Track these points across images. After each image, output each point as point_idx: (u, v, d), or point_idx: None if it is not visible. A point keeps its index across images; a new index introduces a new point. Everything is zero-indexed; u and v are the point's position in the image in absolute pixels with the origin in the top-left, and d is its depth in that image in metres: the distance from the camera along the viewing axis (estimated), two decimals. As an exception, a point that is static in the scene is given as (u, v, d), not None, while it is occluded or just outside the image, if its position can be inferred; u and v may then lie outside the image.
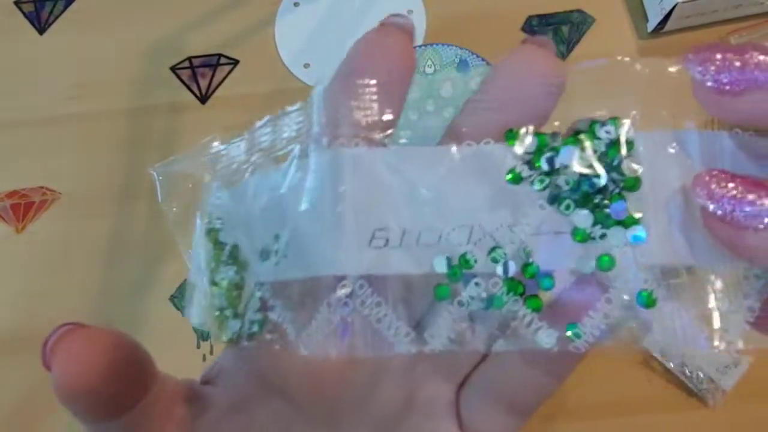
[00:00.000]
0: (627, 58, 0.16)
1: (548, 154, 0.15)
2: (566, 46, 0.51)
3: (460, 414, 0.19)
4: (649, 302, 0.15)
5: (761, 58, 0.14)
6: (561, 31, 0.52)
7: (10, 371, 0.45)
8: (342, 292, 0.16)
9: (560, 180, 0.15)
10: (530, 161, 0.16)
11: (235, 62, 0.53)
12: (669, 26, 0.49)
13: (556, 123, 0.16)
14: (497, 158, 0.16)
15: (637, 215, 0.15)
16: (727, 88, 0.14)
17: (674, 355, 0.42)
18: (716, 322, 0.16)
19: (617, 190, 0.15)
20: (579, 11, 0.52)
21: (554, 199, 0.15)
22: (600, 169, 0.15)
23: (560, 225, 0.15)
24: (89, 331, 0.15)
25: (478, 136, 0.16)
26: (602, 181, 0.15)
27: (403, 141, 0.17)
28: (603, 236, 0.15)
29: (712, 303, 0.16)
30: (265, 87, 0.52)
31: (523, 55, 0.16)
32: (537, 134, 0.16)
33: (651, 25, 0.50)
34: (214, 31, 0.54)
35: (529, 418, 0.19)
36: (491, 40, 0.50)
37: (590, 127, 0.15)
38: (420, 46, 0.50)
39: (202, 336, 0.45)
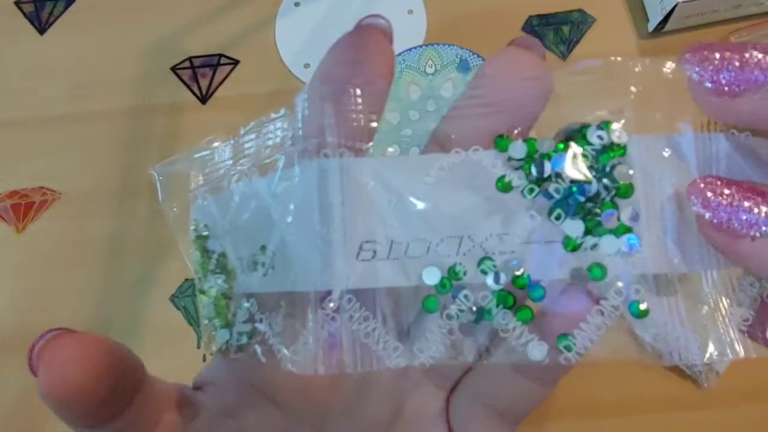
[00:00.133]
0: (620, 58, 0.15)
1: (539, 161, 0.15)
2: (567, 46, 0.51)
3: (450, 421, 0.19)
4: (642, 313, 0.15)
5: (761, 56, 0.14)
6: (561, 31, 0.52)
7: (10, 371, 0.45)
8: (329, 307, 0.15)
9: (551, 188, 0.15)
10: (520, 168, 0.15)
11: (236, 62, 0.53)
12: (669, 26, 0.49)
13: (547, 127, 0.16)
14: (486, 166, 0.15)
15: (630, 223, 0.15)
16: (726, 88, 0.14)
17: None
18: (710, 331, 0.15)
19: (609, 198, 0.15)
20: (579, 11, 0.52)
21: (545, 208, 0.15)
22: (591, 177, 0.15)
23: (551, 234, 0.15)
24: (77, 336, 0.15)
25: (466, 143, 0.15)
26: (593, 189, 0.15)
27: (391, 150, 0.17)
28: (594, 246, 0.15)
29: (705, 311, 0.16)
30: (266, 87, 0.52)
31: (506, 57, 0.16)
32: (527, 140, 0.15)
33: (651, 25, 0.50)
34: (214, 31, 0.53)
35: (520, 423, 0.19)
36: (491, 40, 0.50)
37: (582, 132, 0.15)
38: (420, 46, 0.50)
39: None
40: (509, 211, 0.15)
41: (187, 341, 0.46)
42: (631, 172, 0.15)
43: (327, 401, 0.18)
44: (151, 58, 0.53)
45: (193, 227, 0.19)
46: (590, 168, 0.15)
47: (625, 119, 0.15)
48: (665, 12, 0.47)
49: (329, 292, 0.15)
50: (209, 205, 0.18)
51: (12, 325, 0.47)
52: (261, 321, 0.17)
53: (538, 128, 0.16)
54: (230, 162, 0.18)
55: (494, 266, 0.15)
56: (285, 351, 0.16)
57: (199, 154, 0.18)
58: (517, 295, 0.15)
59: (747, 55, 0.14)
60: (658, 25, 0.49)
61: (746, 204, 0.14)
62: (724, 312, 0.16)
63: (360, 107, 0.16)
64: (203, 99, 0.52)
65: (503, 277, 0.15)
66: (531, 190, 0.15)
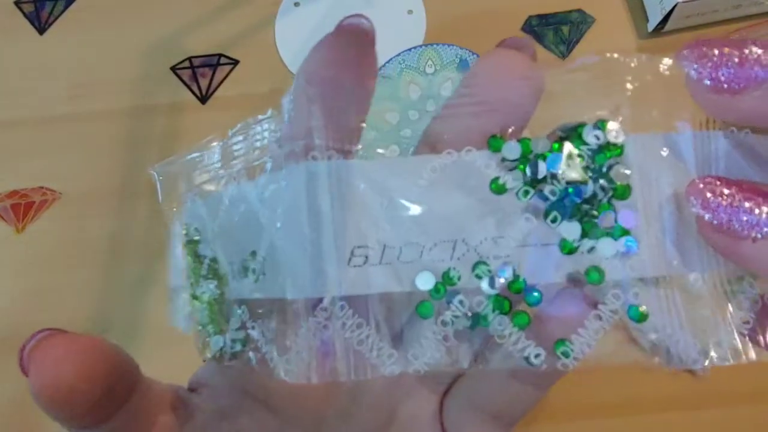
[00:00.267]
0: (616, 55, 0.15)
1: (533, 162, 0.15)
2: (566, 46, 0.51)
3: (444, 424, 0.19)
4: (641, 317, 0.15)
5: (761, 52, 0.13)
6: (561, 31, 0.52)
7: (10, 371, 0.45)
8: (321, 314, 0.15)
9: (546, 189, 0.15)
10: (514, 169, 0.15)
11: (235, 62, 0.53)
12: (669, 26, 0.49)
13: (541, 127, 0.15)
14: (480, 167, 0.15)
15: (628, 226, 0.15)
16: (725, 86, 0.14)
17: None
18: (710, 335, 0.15)
19: (606, 199, 0.15)
20: (579, 11, 0.52)
21: (540, 210, 0.15)
22: (587, 178, 0.14)
23: (547, 236, 0.15)
24: (68, 337, 0.15)
25: (458, 144, 0.15)
26: (589, 190, 0.15)
27: (380, 151, 0.16)
28: (591, 249, 0.15)
29: (704, 314, 0.15)
30: (265, 87, 0.52)
31: (496, 58, 0.16)
32: (521, 140, 0.15)
33: (651, 25, 0.50)
34: (214, 31, 0.53)
35: (514, 425, 0.18)
36: (491, 40, 0.50)
37: (577, 131, 0.15)
38: (420, 46, 0.50)
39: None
40: (504, 214, 0.15)
41: (187, 341, 0.46)
42: (628, 172, 0.15)
43: (320, 406, 0.18)
44: (151, 58, 0.53)
45: (184, 231, 0.18)
46: (586, 168, 0.15)
47: (622, 118, 0.15)
48: (665, 12, 0.47)
49: (321, 299, 0.15)
50: (199, 209, 0.18)
51: (12, 325, 0.47)
52: (253, 328, 0.16)
53: (532, 128, 0.16)
54: (219, 164, 0.17)
55: (489, 271, 0.15)
56: (278, 359, 0.16)
57: (190, 156, 0.18)
58: (513, 300, 0.15)
59: (746, 51, 0.14)
60: (657, 25, 0.49)
61: (747, 204, 0.14)
62: (723, 315, 0.15)
63: (348, 108, 0.15)
64: (203, 99, 0.52)
65: (498, 282, 0.15)
66: (526, 192, 0.15)
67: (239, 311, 0.17)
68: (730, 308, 0.15)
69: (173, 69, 0.53)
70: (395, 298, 0.16)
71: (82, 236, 0.49)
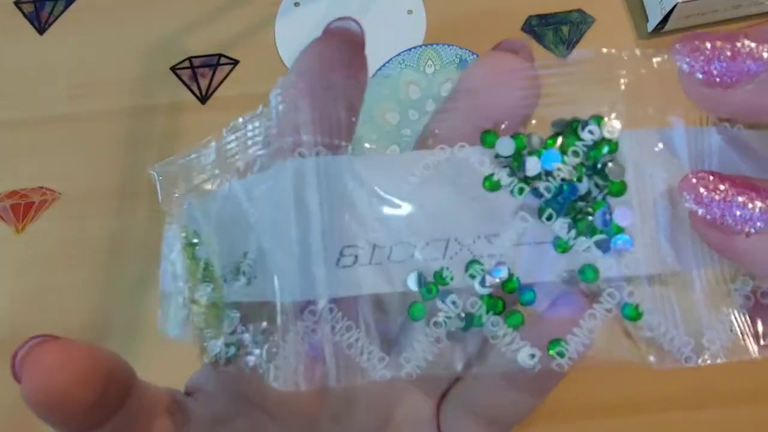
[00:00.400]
0: (613, 50, 0.15)
1: (527, 158, 0.14)
2: (566, 46, 0.51)
3: (441, 428, 0.18)
4: (635, 315, 0.15)
5: (753, 45, 0.13)
6: (561, 31, 0.52)
7: (10, 372, 0.45)
8: (309, 318, 0.14)
9: (541, 186, 0.14)
10: (508, 166, 0.14)
11: (235, 62, 0.53)
12: (669, 26, 0.49)
13: (534, 122, 0.15)
14: (473, 164, 0.15)
15: (623, 223, 0.14)
16: (718, 80, 0.13)
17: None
18: (704, 333, 0.15)
19: (601, 196, 0.14)
20: (579, 11, 0.52)
21: (534, 208, 0.14)
22: (582, 175, 0.14)
23: (541, 235, 0.15)
24: (60, 343, 0.15)
25: (451, 140, 0.15)
26: (584, 187, 0.14)
27: (366, 145, 0.16)
28: (586, 247, 0.14)
29: (698, 312, 0.15)
30: (265, 87, 0.51)
31: (492, 62, 0.15)
32: (515, 136, 0.14)
33: (651, 25, 0.50)
34: (214, 31, 0.53)
35: (511, 430, 0.18)
36: (491, 40, 0.50)
37: (572, 127, 0.14)
38: (420, 46, 0.50)
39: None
40: (498, 212, 0.15)
41: (187, 341, 0.46)
42: (623, 169, 0.14)
43: (316, 409, 0.18)
44: (151, 58, 0.53)
45: (183, 234, 0.18)
46: (581, 165, 0.14)
47: (616, 113, 0.14)
48: (665, 12, 0.47)
49: (309, 302, 0.14)
50: (195, 210, 0.17)
51: (12, 325, 0.47)
52: (244, 332, 0.16)
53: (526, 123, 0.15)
54: (213, 164, 0.17)
55: (482, 270, 0.14)
56: (267, 365, 0.15)
57: (188, 157, 0.18)
58: (507, 300, 0.15)
59: (738, 44, 0.13)
60: (657, 25, 0.49)
61: (740, 199, 0.13)
62: (717, 312, 0.15)
63: (337, 102, 0.15)
64: (203, 99, 0.52)
65: (492, 281, 0.14)
66: (521, 190, 0.14)
67: (232, 315, 0.16)
68: (724, 305, 0.15)
69: (173, 69, 0.53)
70: (386, 300, 0.15)
71: (82, 236, 0.49)
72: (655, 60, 0.15)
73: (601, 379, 0.43)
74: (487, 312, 0.15)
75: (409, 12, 0.53)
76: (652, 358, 0.15)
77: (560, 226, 0.14)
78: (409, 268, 0.14)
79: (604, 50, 0.15)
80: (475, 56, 0.49)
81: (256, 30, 0.53)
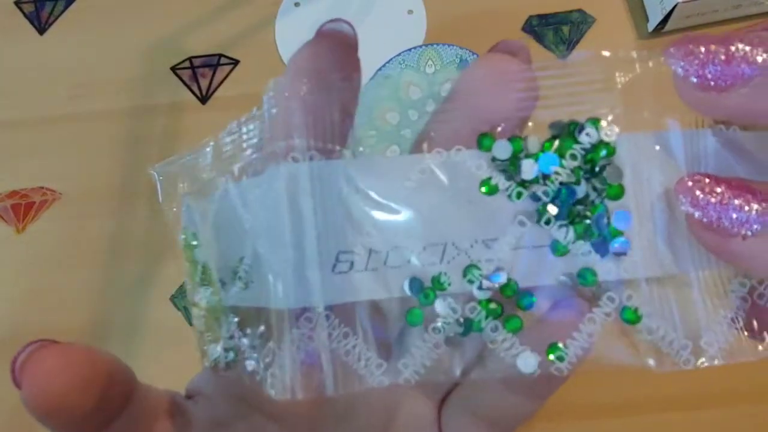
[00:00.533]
0: (608, 53, 0.15)
1: (523, 161, 0.14)
2: (566, 46, 0.51)
3: (442, 431, 0.18)
4: (634, 318, 0.15)
5: (747, 49, 0.13)
6: (561, 31, 0.52)
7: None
8: (305, 325, 0.14)
9: (539, 190, 0.14)
10: (505, 169, 0.14)
11: (236, 62, 0.53)
12: (669, 26, 0.49)
13: (530, 124, 0.15)
14: (470, 167, 0.14)
15: (621, 227, 0.14)
16: (712, 83, 0.13)
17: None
18: (702, 335, 0.15)
19: (599, 200, 0.14)
20: (579, 11, 0.52)
21: (532, 212, 0.14)
22: (580, 178, 0.14)
23: (539, 239, 0.14)
24: (59, 348, 0.15)
25: (447, 142, 0.15)
26: (582, 190, 0.14)
27: (360, 149, 0.15)
28: (584, 251, 0.14)
29: (696, 314, 0.15)
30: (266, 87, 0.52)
31: (489, 64, 0.15)
32: (512, 139, 0.14)
33: (651, 25, 0.50)
34: (214, 31, 0.53)
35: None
36: (491, 40, 0.50)
37: (569, 130, 0.14)
38: (420, 46, 0.50)
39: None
40: (495, 216, 0.14)
41: (187, 341, 0.46)
42: (620, 172, 0.14)
43: (316, 414, 0.18)
44: (151, 58, 0.53)
45: (183, 236, 0.18)
46: (579, 168, 0.14)
47: (614, 116, 0.14)
48: (665, 12, 0.47)
49: (305, 309, 0.14)
50: (193, 212, 0.17)
51: (12, 325, 0.47)
52: (242, 338, 0.16)
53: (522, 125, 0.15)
54: (210, 166, 0.17)
55: (480, 275, 0.14)
56: (264, 372, 0.15)
57: (187, 158, 0.17)
58: (505, 304, 0.15)
59: (733, 48, 0.13)
60: (658, 25, 0.49)
61: (736, 202, 0.13)
62: (715, 314, 0.15)
63: (332, 106, 0.15)
64: (203, 99, 0.52)
65: (490, 286, 0.14)
66: (519, 194, 0.14)
67: (230, 319, 0.16)
68: (721, 307, 0.15)
69: (173, 69, 0.53)
70: (384, 305, 0.15)
71: (82, 236, 0.49)
72: (651, 62, 0.15)
73: (601, 380, 0.43)
74: (486, 317, 0.14)
75: (410, 12, 0.53)
76: (651, 361, 0.15)
77: (558, 229, 0.14)
78: (406, 274, 0.14)
79: (601, 52, 0.15)
80: (475, 56, 0.49)
81: (257, 30, 0.53)
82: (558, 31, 0.52)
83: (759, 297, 0.15)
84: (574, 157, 0.14)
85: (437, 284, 0.14)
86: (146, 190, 0.49)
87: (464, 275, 0.14)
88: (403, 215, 0.14)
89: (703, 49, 0.13)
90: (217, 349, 0.17)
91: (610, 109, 0.14)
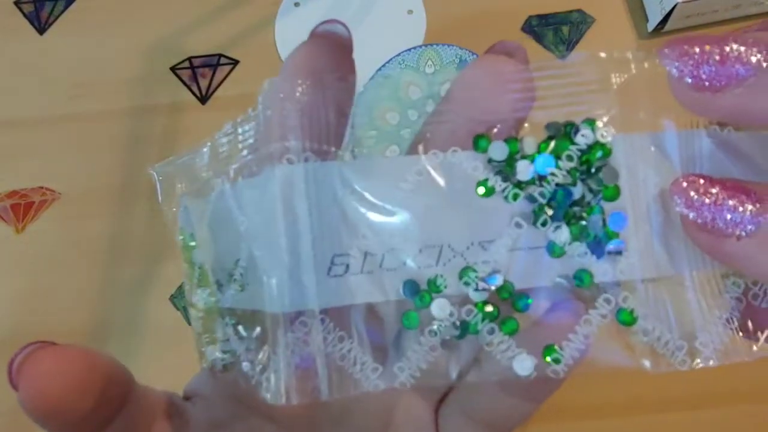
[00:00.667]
0: (604, 53, 0.15)
1: (519, 162, 0.14)
2: (566, 46, 0.51)
3: None
4: (630, 320, 0.14)
5: (742, 49, 0.13)
6: (561, 31, 0.52)
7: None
8: (300, 329, 0.14)
9: (535, 192, 0.14)
10: (501, 171, 0.14)
11: (235, 62, 0.53)
12: (669, 26, 0.49)
13: (526, 125, 0.15)
14: (466, 169, 0.14)
15: (617, 228, 0.14)
16: (707, 84, 0.13)
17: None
18: (697, 336, 0.15)
19: (595, 201, 0.14)
20: (579, 11, 0.52)
21: (528, 213, 0.14)
22: (576, 179, 0.14)
23: (535, 240, 0.14)
24: (57, 349, 0.15)
25: (444, 145, 0.14)
26: (578, 192, 0.14)
27: (356, 151, 0.15)
28: (581, 252, 0.14)
29: (691, 315, 0.15)
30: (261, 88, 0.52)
31: (485, 64, 0.15)
32: (508, 140, 0.14)
33: (651, 25, 0.50)
34: (214, 31, 0.53)
35: None
36: (491, 40, 0.50)
37: (565, 131, 0.14)
38: (420, 46, 0.50)
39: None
40: (492, 218, 0.14)
41: (187, 341, 0.46)
42: (616, 173, 0.14)
43: (314, 415, 0.18)
44: (151, 58, 0.53)
45: (181, 237, 0.18)
46: (575, 169, 0.14)
47: (610, 117, 0.14)
48: (665, 12, 0.47)
49: (300, 312, 0.14)
50: (190, 213, 0.17)
51: (12, 325, 0.47)
52: (239, 340, 0.16)
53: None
54: (207, 167, 0.17)
55: (477, 277, 0.14)
56: (260, 376, 0.15)
57: (185, 158, 0.17)
58: (501, 307, 0.15)
59: (727, 48, 0.13)
60: (657, 25, 0.49)
61: (730, 203, 0.13)
62: (710, 315, 0.15)
63: (327, 107, 0.14)
64: (203, 99, 0.52)
65: (487, 288, 0.14)
66: (515, 196, 0.14)
67: (227, 322, 0.16)
68: (716, 308, 0.15)
69: (173, 69, 0.53)
70: (379, 308, 0.15)
71: (82, 236, 0.49)
72: (646, 63, 0.15)
73: (600, 380, 0.43)
74: (483, 319, 0.14)
75: (409, 12, 0.53)
76: (646, 363, 0.15)
77: (554, 231, 0.14)
78: (401, 276, 0.14)
79: (597, 53, 0.15)
80: (475, 56, 0.49)
81: (256, 30, 0.53)
82: (558, 32, 0.52)
83: (753, 297, 0.15)
84: (570, 158, 0.14)
85: (433, 287, 0.14)
86: (146, 190, 0.49)
87: (460, 277, 0.14)
88: (399, 217, 0.14)
89: (697, 50, 0.13)
90: (215, 351, 0.17)
91: (606, 110, 0.14)
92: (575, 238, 0.14)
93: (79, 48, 0.54)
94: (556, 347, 0.14)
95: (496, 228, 0.14)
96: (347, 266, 0.14)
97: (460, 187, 0.14)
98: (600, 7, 0.52)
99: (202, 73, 0.53)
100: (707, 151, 0.15)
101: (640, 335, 0.15)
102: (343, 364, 0.14)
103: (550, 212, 0.14)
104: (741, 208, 0.13)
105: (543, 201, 0.14)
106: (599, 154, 0.14)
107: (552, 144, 0.14)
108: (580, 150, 0.14)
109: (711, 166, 0.15)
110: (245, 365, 0.15)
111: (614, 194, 0.14)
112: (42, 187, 0.50)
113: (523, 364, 0.14)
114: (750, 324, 0.15)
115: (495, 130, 0.15)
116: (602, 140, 0.14)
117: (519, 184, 0.14)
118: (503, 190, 0.14)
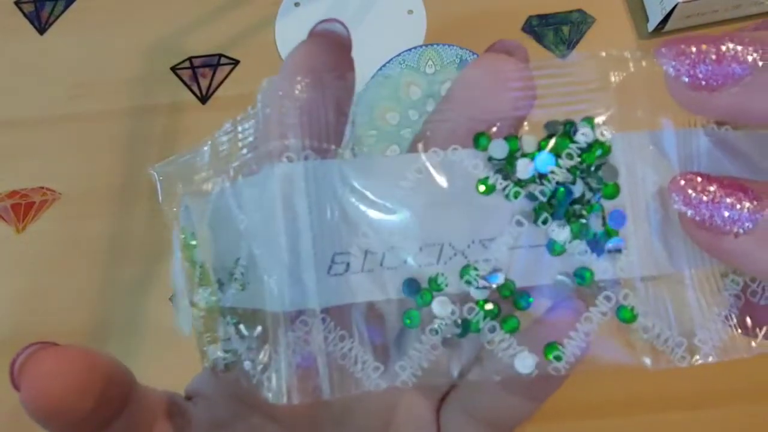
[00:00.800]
0: (603, 52, 0.15)
1: (518, 160, 0.14)
2: (566, 46, 0.51)
3: (441, 431, 0.18)
4: (630, 318, 0.15)
5: (739, 48, 0.13)
6: (561, 31, 0.52)
7: (10, 371, 0.45)
8: (301, 329, 0.14)
9: (536, 190, 0.14)
10: (502, 169, 0.14)
11: (236, 62, 0.53)
12: (669, 26, 0.49)
13: (526, 124, 0.15)
14: (467, 167, 0.14)
15: (616, 226, 0.14)
16: (703, 83, 0.13)
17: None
18: (696, 333, 0.15)
19: (595, 199, 0.14)
20: (579, 11, 0.52)
21: (529, 211, 0.14)
22: (576, 177, 0.14)
23: (536, 238, 0.14)
24: (58, 350, 0.15)
25: (444, 144, 0.15)
26: (578, 190, 0.14)
27: (355, 149, 0.15)
28: (581, 250, 0.14)
29: (690, 312, 0.15)
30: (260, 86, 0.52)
31: (486, 63, 0.15)
32: (508, 138, 0.14)
33: (651, 25, 0.50)
34: (214, 31, 0.53)
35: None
36: (491, 40, 0.50)
37: (565, 129, 0.14)
38: (420, 46, 0.50)
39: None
40: (492, 216, 0.14)
41: (187, 341, 0.46)
42: (616, 171, 0.14)
43: (315, 414, 0.18)
44: (151, 58, 0.53)
45: (182, 236, 0.18)
46: (575, 168, 0.14)
47: (608, 115, 0.14)
48: (665, 12, 0.47)
49: (301, 311, 0.14)
50: (191, 212, 0.17)
51: (12, 325, 0.47)
52: (240, 339, 0.16)
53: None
54: (208, 165, 0.17)
55: (478, 275, 0.14)
56: (261, 376, 0.15)
57: (186, 157, 0.17)
58: (503, 305, 0.15)
59: (724, 47, 0.13)
60: (658, 25, 0.49)
61: (728, 200, 0.13)
62: (709, 312, 0.15)
63: (327, 105, 0.14)
64: (203, 99, 0.52)
65: (488, 286, 0.14)
66: (516, 194, 0.14)
67: (228, 321, 0.16)
68: (715, 305, 0.15)
69: (173, 69, 0.53)
70: (380, 307, 0.15)
71: (82, 236, 0.49)
72: (644, 62, 0.15)
73: (601, 379, 0.43)
74: (484, 317, 0.14)
75: (410, 12, 0.53)
76: (647, 360, 0.15)
77: (555, 229, 0.14)
78: (402, 275, 0.14)
79: (596, 52, 0.15)
80: (475, 56, 0.49)
81: (256, 30, 0.53)
82: (558, 32, 0.52)
83: (752, 294, 0.15)
84: (570, 156, 0.14)
85: (434, 285, 0.14)
86: (146, 190, 0.49)
87: (461, 276, 0.14)
88: (400, 215, 0.14)
89: (694, 49, 0.13)
90: (216, 351, 0.17)
91: (605, 109, 0.14)
92: (575, 236, 0.14)
93: (79, 48, 0.54)
94: (557, 345, 0.14)
95: (497, 226, 0.14)
96: (348, 265, 0.14)
97: (461, 185, 0.14)
98: (600, 7, 0.52)
99: (202, 73, 0.53)
100: (705, 149, 0.15)
101: (640, 332, 0.15)
102: (345, 363, 0.14)
103: (550, 210, 0.14)
104: (738, 206, 0.13)
105: (543, 199, 0.14)
106: (599, 152, 0.14)
107: (552, 142, 0.14)
108: (580, 148, 0.14)
109: (709, 164, 0.15)
110: (247, 364, 0.15)
111: (614, 192, 0.14)
112: (42, 187, 0.50)
113: (525, 362, 0.14)
114: (749, 321, 0.15)
115: (495, 128, 0.15)
116: (601, 139, 0.14)
117: (519, 182, 0.14)
118: (504, 188, 0.14)
